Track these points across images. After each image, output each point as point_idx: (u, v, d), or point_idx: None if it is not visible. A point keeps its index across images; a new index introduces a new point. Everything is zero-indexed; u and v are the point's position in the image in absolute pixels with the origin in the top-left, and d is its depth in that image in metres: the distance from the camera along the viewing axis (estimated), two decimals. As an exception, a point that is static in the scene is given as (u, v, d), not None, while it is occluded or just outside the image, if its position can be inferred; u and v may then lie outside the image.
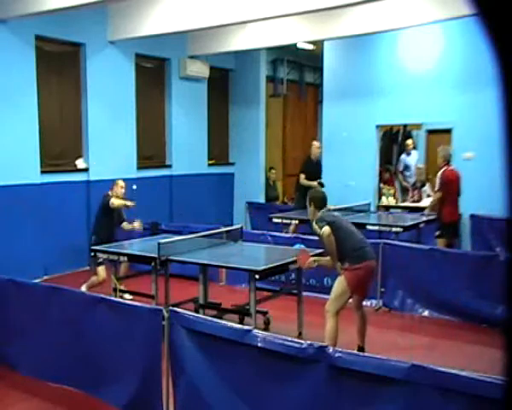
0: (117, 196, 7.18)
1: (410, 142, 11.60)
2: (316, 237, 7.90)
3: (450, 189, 7.41)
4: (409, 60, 10.16)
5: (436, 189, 7.58)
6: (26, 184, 8.12)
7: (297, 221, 8.85)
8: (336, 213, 5.44)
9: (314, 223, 5.10)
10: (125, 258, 6.23)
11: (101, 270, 6.84)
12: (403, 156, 11.60)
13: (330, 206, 8.90)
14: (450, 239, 7.42)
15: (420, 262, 6.60)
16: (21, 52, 8.05)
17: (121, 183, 7.32)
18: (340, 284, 4.98)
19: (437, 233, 7.53)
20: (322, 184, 9.28)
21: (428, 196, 9.89)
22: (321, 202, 5.19)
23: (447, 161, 7.48)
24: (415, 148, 11.72)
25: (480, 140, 8.98)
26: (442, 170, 7.44)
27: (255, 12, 7.95)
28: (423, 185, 10.31)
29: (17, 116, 8.02)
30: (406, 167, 11.39)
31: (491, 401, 2.45)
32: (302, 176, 9.75)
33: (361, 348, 5.19)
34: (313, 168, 9.80)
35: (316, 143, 10.06)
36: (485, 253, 6.91)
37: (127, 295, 6.74)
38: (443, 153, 7.54)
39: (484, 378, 2.65)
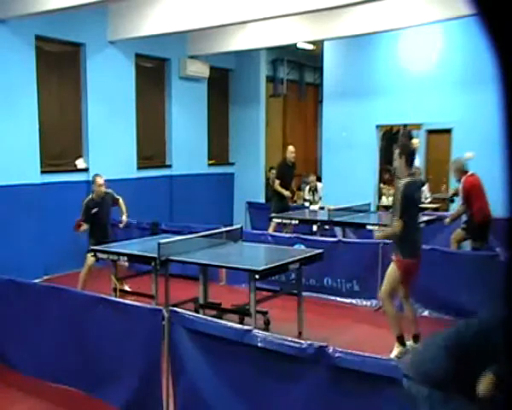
0: (97, 194, 7.12)
1: (416, 140, 11.55)
2: (315, 238, 7.93)
3: (478, 192, 7.11)
4: (409, 60, 10.16)
5: (461, 202, 7.34)
6: (26, 184, 8.12)
7: (275, 222, 9.11)
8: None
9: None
10: (125, 258, 6.24)
11: (89, 257, 6.87)
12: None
13: (330, 206, 8.98)
14: (482, 242, 7.14)
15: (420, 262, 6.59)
16: (21, 52, 8.05)
17: (99, 180, 7.16)
18: (392, 271, 4.99)
19: (467, 236, 7.30)
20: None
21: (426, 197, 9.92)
22: (412, 155, 4.92)
23: (464, 171, 7.17)
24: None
25: (479, 140, 8.97)
26: (462, 180, 7.14)
27: (255, 12, 7.95)
28: (422, 185, 10.30)
29: (17, 116, 8.02)
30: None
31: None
32: (277, 182, 9.89)
33: (416, 336, 5.13)
34: (288, 172, 9.94)
35: (290, 148, 10.07)
36: (485, 253, 6.90)
37: (126, 287, 6.84)
38: (455, 166, 7.29)
39: (484, 378, 2.64)
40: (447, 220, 7.65)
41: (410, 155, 4.87)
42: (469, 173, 7.22)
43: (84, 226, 7.04)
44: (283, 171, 9.92)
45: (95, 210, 7.11)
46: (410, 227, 4.87)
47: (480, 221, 7.11)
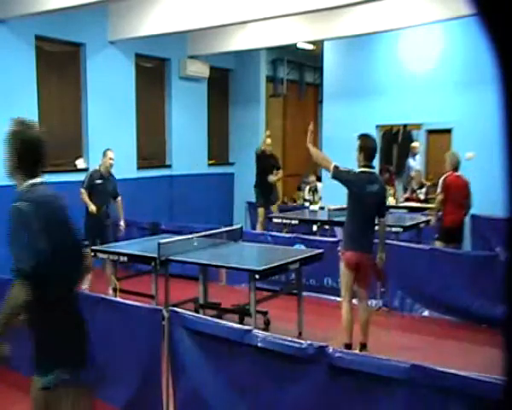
0: (105, 167, 7.18)
1: (416, 144, 11.47)
2: (315, 238, 7.93)
3: (453, 194, 7.19)
4: (409, 60, 10.16)
5: (438, 191, 7.28)
6: (25, 184, 8.11)
7: (261, 218, 9.77)
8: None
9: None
10: (125, 258, 6.23)
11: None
12: (409, 159, 11.39)
13: (330, 206, 8.97)
14: (446, 243, 7.24)
15: (420, 262, 6.60)
16: (21, 52, 8.05)
17: (110, 153, 7.21)
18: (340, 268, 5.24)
19: (436, 235, 7.41)
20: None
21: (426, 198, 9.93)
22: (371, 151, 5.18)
23: (454, 168, 7.14)
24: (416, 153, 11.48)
25: (480, 140, 8.97)
26: (445, 176, 7.16)
27: (255, 12, 7.95)
28: (422, 187, 10.29)
29: (17, 116, 8.00)
30: (411, 171, 11.20)
31: (491, 401, 2.45)
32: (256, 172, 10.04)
33: (364, 345, 5.16)
34: (267, 163, 9.99)
35: (267, 140, 10.16)
36: (485, 253, 6.90)
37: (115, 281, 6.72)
38: (450, 159, 7.21)
39: (484, 378, 2.65)
40: (433, 221, 7.54)
41: (368, 150, 5.13)
42: (455, 174, 7.15)
43: (92, 206, 6.99)
44: (261, 162, 9.99)
45: (98, 181, 7.14)
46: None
47: (447, 226, 7.14)
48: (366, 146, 5.08)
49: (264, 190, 9.97)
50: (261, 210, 9.92)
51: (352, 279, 5.12)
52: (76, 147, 9.16)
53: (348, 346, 5.02)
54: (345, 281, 5.15)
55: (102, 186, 7.15)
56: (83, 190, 7.09)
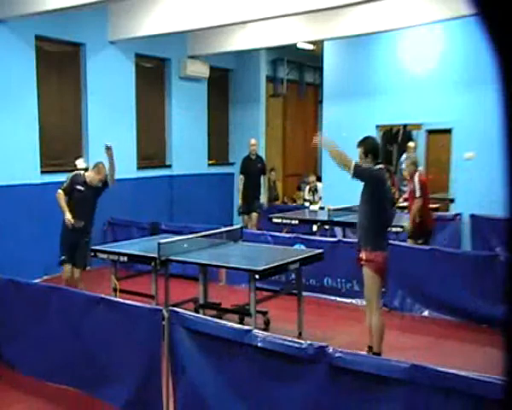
0: (91, 179, 6.31)
1: (411, 144, 11.37)
2: (315, 238, 7.93)
3: (427, 194, 7.30)
4: (409, 60, 10.15)
5: (418, 195, 7.04)
6: (26, 184, 8.12)
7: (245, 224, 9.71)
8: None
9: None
10: (125, 258, 6.23)
11: (65, 269, 6.35)
12: (403, 158, 11.33)
13: (330, 206, 8.98)
14: (422, 242, 7.14)
15: (420, 262, 6.60)
16: (21, 52, 8.05)
17: (102, 169, 6.34)
18: (366, 275, 4.84)
19: (420, 241, 7.11)
20: None
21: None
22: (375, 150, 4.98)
23: (416, 167, 7.29)
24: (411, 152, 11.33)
25: (480, 140, 8.97)
26: (417, 175, 7.12)
27: (255, 12, 7.95)
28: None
29: (17, 116, 8.02)
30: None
31: (491, 401, 2.45)
32: (240, 176, 10.01)
33: (371, 348, 5.08)
34: (251, 166, 9.96)
35: (251, 141, 10.17)
36: (485, 253, 6.90)
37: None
38: (411, 160, 7.38)
39: (484, 378, 2.65)
40: (408, 227, 7.24)
41: (378, 149, 5.13)
42: (421, 172, 7.33)
43: (72, 219, 6.08)
44: (245, 166, 9.99)
45: (79, 187, 6.26)
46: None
47: (430, 228, 7.18)
48: (375, 146, 5.05)
49: (247, 196, 9.89)
50: (244, 218, 9.94)
51: (381, 283, 4.89)
52: (76, 147, 9.16)
53: (378, 355, 4.68)
54: (376, 288, 4.82)
55: (83, 195, 6.24)
56: (60, 191, 6.16)
